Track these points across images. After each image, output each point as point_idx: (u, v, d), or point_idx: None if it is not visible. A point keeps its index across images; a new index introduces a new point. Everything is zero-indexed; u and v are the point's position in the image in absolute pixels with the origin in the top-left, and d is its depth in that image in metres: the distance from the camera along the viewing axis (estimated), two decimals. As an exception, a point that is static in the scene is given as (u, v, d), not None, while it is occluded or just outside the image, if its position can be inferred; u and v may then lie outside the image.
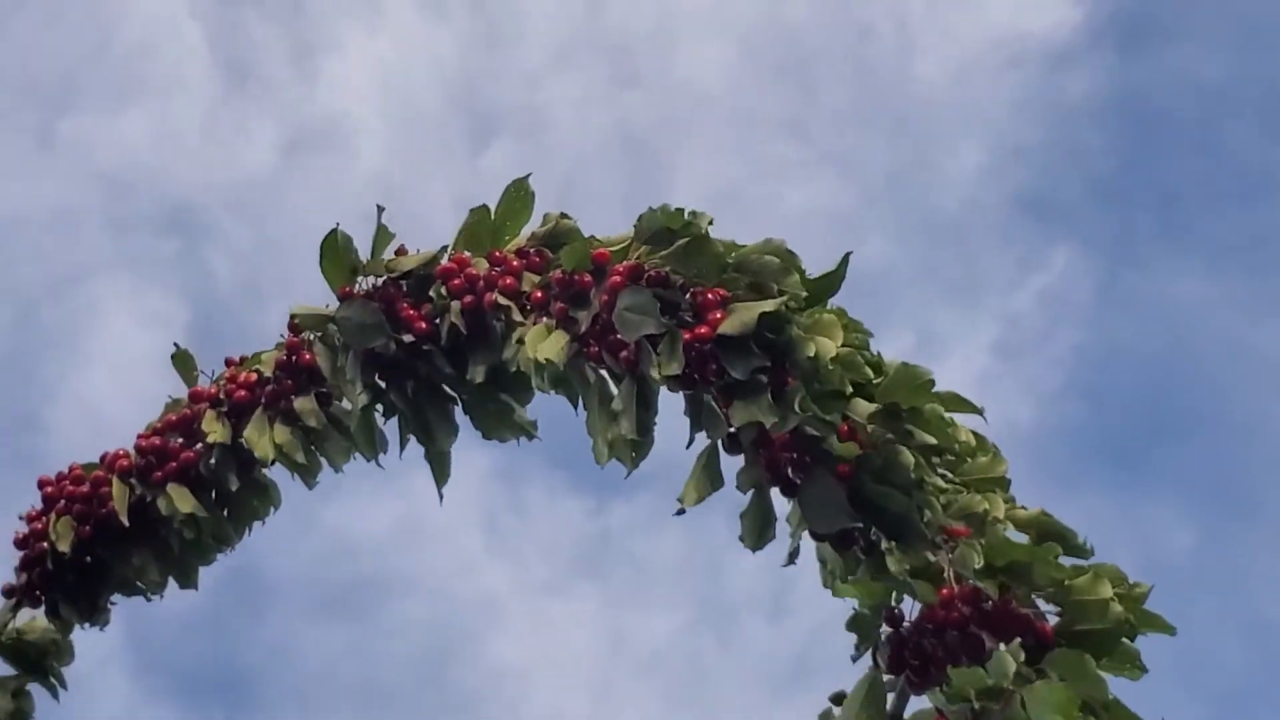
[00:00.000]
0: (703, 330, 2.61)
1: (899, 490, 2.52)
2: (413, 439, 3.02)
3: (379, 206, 2.99)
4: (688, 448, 2.66)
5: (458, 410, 3.03)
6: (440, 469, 3.04)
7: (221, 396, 3.10)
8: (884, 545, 2.53)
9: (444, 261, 2.98)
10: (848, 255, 2.63)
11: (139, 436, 3.13)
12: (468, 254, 2.98)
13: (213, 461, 3.07)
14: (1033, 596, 2.50)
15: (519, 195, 3.01)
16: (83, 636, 3.14)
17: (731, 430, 2.61)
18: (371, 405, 2.99)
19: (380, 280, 3.00)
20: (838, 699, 2.62)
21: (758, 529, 2.62)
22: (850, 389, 2.56)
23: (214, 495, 3.10)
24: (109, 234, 9.33)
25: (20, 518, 3.14)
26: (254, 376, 3.09)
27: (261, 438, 3.04)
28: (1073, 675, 2.39)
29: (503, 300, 2.89)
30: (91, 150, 9.50)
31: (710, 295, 2.65)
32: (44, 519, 3.11)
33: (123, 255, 9.24)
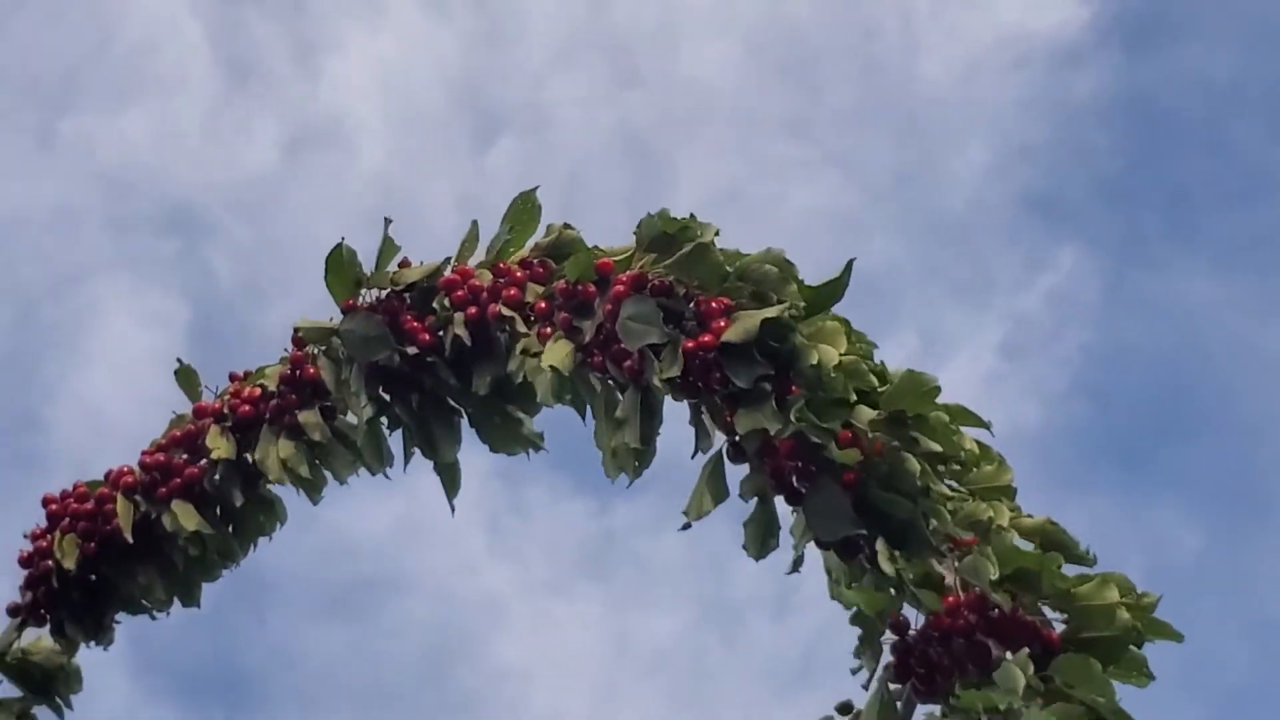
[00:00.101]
0: (706, 338, 2.60)
1: (905, 498, 2.51)
2: (417, 451, 3.01)
3: (386, 219, 2.98)
4: (693, 458, 2.66)
5: (463, 422, 3.02)
6: (450, 480, 3.02)
7: (225, 411, 3.10)
8: (887, 553, 2.51)
9: (447, 273, 2.97)
10: (851, 262, 2.62)
11: (143, 453, 3.13)
12: (471, 265, 2.98)
13: (217, 477, 3.07)
14: (1039, 604, 2.48)
15: (526, 208, 2.99)
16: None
17: (735, 438, 2.60)
18: (376, 418, 2.98)
19: (384, 293, 2.99)
20: (844, 709, 2.60)
21: (761, 538, 2.61)
22: (854, 396, 2.55)
23: (219, 511, 3.10)
24: (109, 234, 9.34)
25: (25, 536, 3.14)
26: (258, 391, 3.09)
27: (268, 454, 3.03)
28: (1079, 680, 2.37)
29: (507, 311, 2.88)
30: (92, 150, 9.51)
31: (714, 304, 2.64)
32: (49, 537, 3.11)
33: (123, 255, 9.25)
